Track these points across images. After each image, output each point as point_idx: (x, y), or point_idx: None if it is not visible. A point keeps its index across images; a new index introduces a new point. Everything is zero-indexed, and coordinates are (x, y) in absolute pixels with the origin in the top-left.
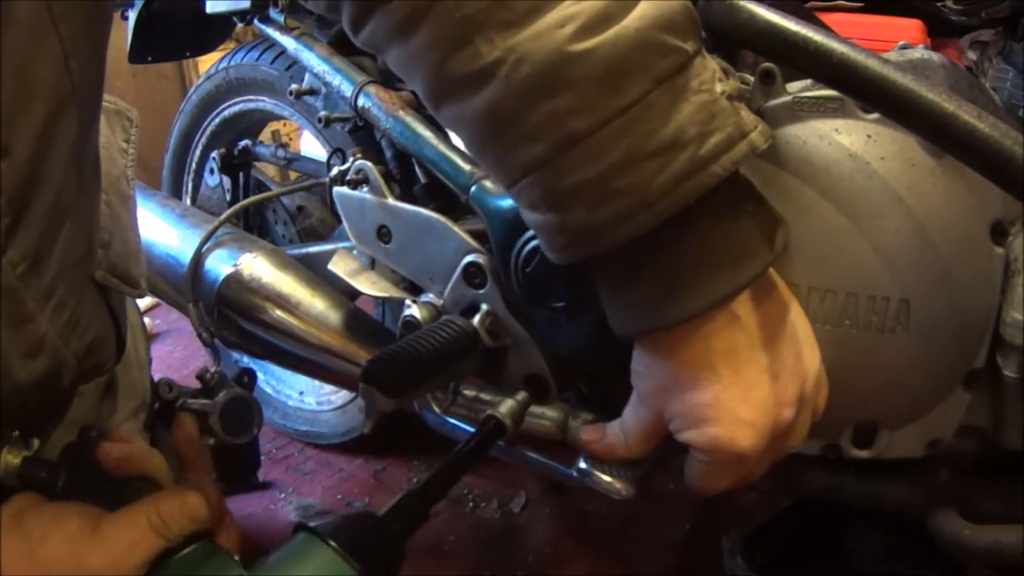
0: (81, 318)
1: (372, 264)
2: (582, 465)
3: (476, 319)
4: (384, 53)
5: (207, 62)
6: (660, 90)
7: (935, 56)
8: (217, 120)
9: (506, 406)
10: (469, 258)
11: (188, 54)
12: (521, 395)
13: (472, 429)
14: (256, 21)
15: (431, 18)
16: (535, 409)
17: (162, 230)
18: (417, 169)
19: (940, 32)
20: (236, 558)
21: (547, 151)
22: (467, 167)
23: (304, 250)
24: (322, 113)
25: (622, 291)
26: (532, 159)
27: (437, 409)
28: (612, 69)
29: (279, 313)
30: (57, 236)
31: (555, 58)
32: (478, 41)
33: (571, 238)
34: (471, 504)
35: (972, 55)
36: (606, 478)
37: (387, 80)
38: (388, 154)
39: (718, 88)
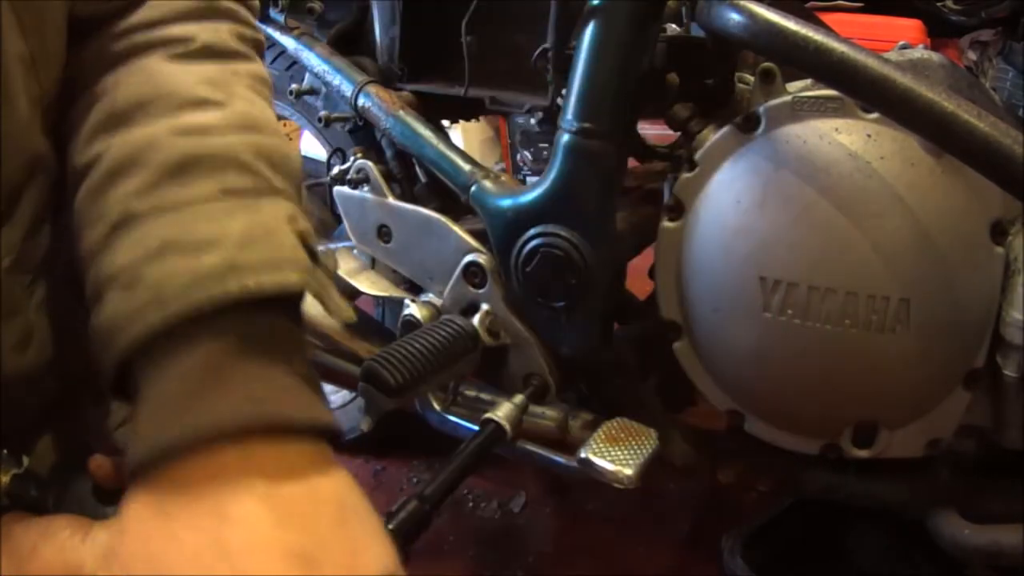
0: (68, 329)
1: (372, 264)
2: (583, 454)
3: (476, 319)
4: None
5: None
6: (220, 202)
7: (935, 56)
8: None
9: (504, 409)
10: (469, 258)
11: None
12: (519, 398)
13: (475, 427)
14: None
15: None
16: (535, 409)
17: None
18: (417, 169)
19: (940, 32)
20: None
21: (105, 231)
22: (467, 167)
23: None
24: (322, 113)
25: (137, 411)
26: (94, 242)
27: (439, 408)
28: (187, 165)
29: None
30: (38, 236)
31: (144, 144)
32: (103, 133)
33: (99, 339)
34: (471, 504)
35: (972, 55)
36: (609, 466)
37: (387, 80)
38: (388, 154)
39: (289, 229)
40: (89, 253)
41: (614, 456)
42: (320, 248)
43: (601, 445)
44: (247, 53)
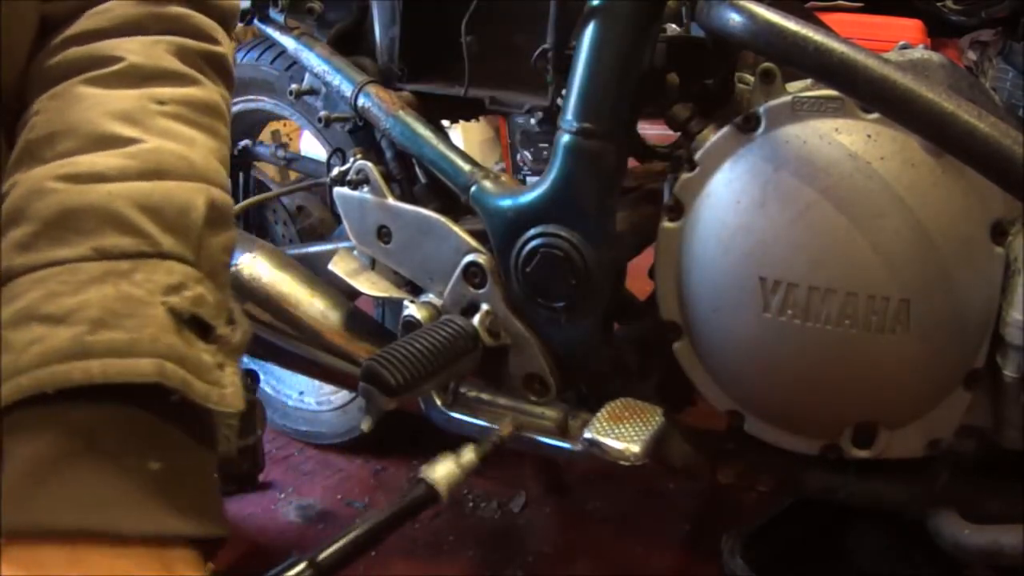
0: None
1: (372, 264)
2: (587, 435)
3: (476, 319)
4: None
5: None
6: (97, 264)
7: (935, 56)
8: None
9: (443, 470)
10: (469, 258)
11: None
12: (467, 457)
13: (480, 423)
14: (256, 21)
15: None
16: (535, 409)
17: None
18: (417, 169)
19: (940, 32)
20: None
21: None
22: (467, 167)
23: (304, 250)
24: (322, 113)
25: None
26: None
27: (443, 407)
28: (65, 218)
29: (279, 313)
30: None
31: (34, 190)
32: (16, 169)
33: None
34: (471, 504)
35: (972, 55)
36: (615, 443)
37: (387, 80)
38: (388, 154)
39: (160, 297)
40: None
41: (619, 433)
42: (233, 312)
43: (605, 424)
44: (187, 74)
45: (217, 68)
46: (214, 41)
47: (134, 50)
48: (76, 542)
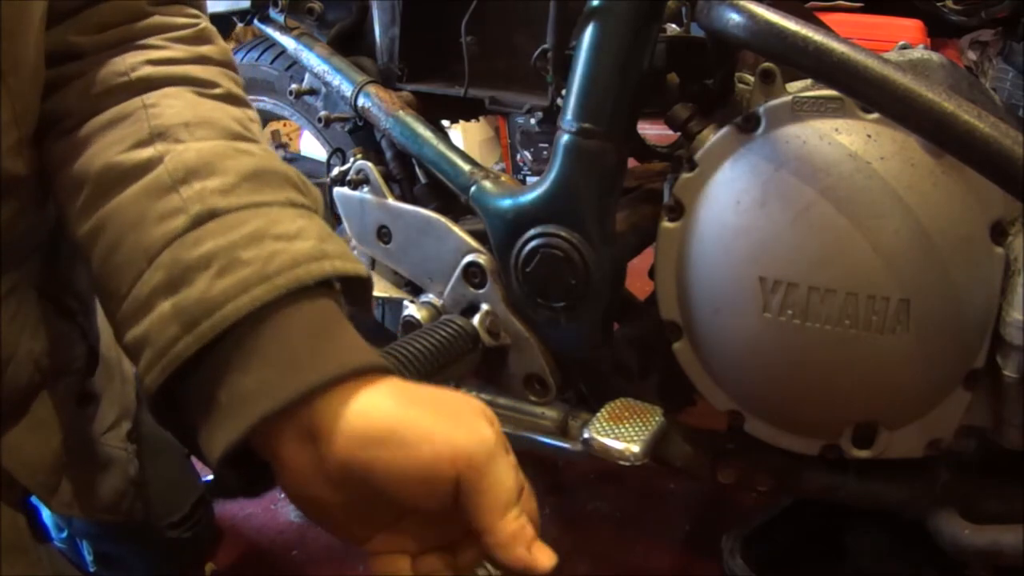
0: (27, 321)
1: (372, 264)
2: (587, 435)
3: (476, 319)
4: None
5: None
6: (291, 208)
7: (935, 56)
8: None
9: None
10: (469, 258)
11: None
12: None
13: None
14: (256, 21)
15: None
16: (535, 409)
17: None
18: (417, 169)
19: (940, 32)
20: None
21: (187, 222)
22: (467, 167)
23: None
24: (322, 113)
25: (230, 382)
26: (172, 230)
27: None
28: (258, 175)
29: None
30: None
31: (219, 150)
32: (152, 143)
33: (185, 323)
34: None
35: (972, 55)
36: (615, 444)
37: (387, 80)
38: (388, 154)
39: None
40: (162, 241)
41: (619, 433)
42: None
43: (605, 424)
44: (244, 97)
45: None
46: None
47: (222, 78)
48: (361, 376)
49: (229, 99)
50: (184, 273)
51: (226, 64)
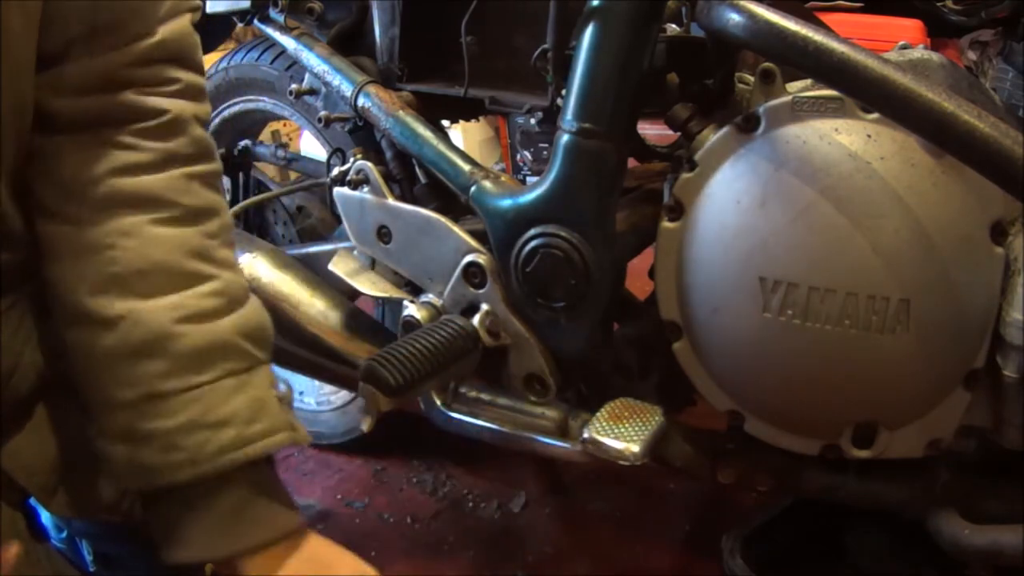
0: (30, 333)
1: (372, 264)
2: (587, 434)
3: (476, 319)
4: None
5: (206, 62)
6: (229, 379)
7: (935, 56)
8: (217, 120)
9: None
10: (469, 258)
11: None
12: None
13: (482, 424)
14: (256, 21)
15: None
16: (535, 409)
17: None
18: (417, 169)
19: (940, 32)
20: None
21: (136, 397)
22: (467, 167)
23: (304, 250)
24: (322, 113)
25: (179, 526)
26: (126, 400)
27: (443, 407)
28: (200, 353)
29: (279, 313)
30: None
31: (160, 333)
32: (113, 293)
33: (137, 476)
34: (471, 504)
35: (972, 55)
36: (615, 443)
37: (387, 80)
38: (388, 154)
39: (271, 392)
40: (116, 405)
41: (619, 433)
42: (280, 389)
43: (605, 424)
44: (215, 204)
45: (219, 183)
46: (213, 158)
47: (181, 190)
48: (283, 541)
49: (186, 219)
50: (136, 436)
51: (194, 158)
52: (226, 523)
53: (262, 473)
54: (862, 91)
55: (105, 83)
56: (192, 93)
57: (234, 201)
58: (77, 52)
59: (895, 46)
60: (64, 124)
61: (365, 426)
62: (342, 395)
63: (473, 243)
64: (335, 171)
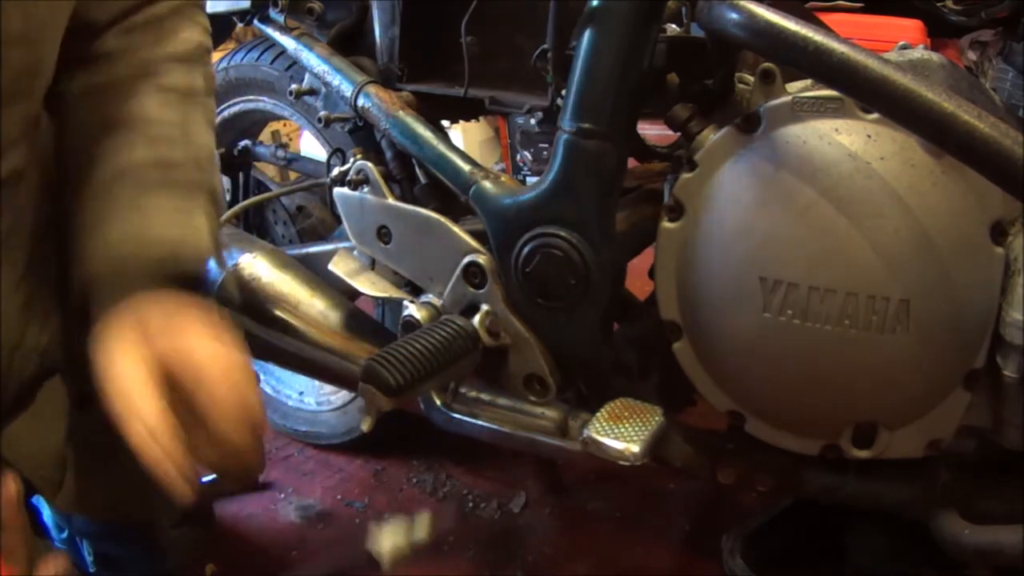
0: (37, 313)
1: (372, 264)
2: (586, 434)
3: (476, 319)
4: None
5: None
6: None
7: (935, 56)
8: (217, 120)
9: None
10: (469, 258)
11: None
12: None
13: (481, 424)
14: (256, 21)
15: None
16: (535, 409)
17: None
18: (417, 170)
19: (940, 32)
20: None
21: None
22: (467, 167)
23: (304, 250)
24: (322, 113)
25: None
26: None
27: (443, 407)
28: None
29: (279, 313)
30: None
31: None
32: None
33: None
34: (471, 504)
35: (972, 55)
36: (615, 443)
37: (387, 80)
38: (388, 154)
39: None
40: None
41: (619, 433)
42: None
43: (605, 424)
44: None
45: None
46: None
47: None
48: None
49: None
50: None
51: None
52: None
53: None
54: (862, 91)
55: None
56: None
57: (234, 201)
58: None
59: (895, 46)
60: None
61: (365, 426)
62: (342, 395)
63: (473, 243)
64: (335, 171)
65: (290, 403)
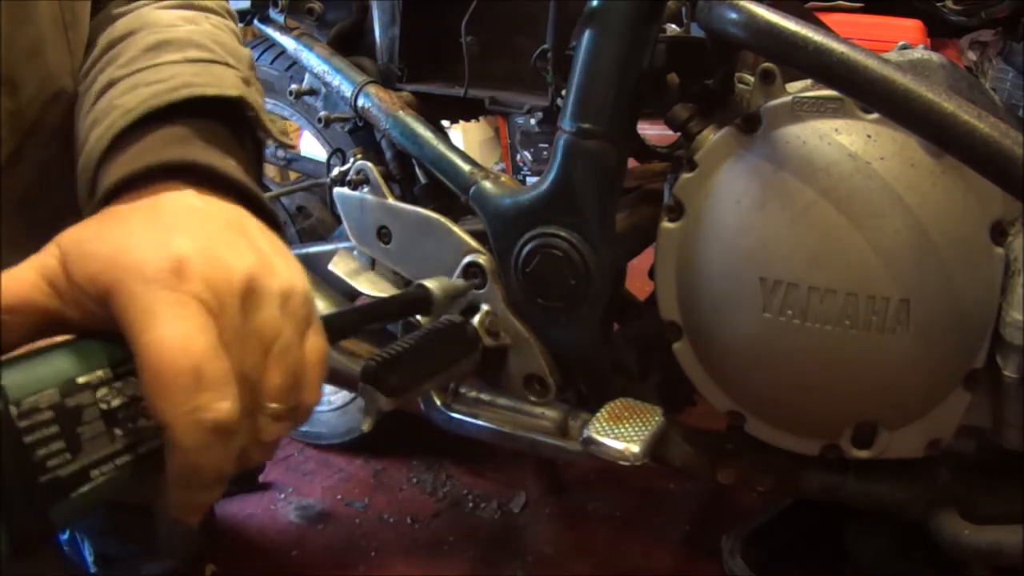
0: None
1: (372, 264)
2: (586, 434)
3: (476, 319)
4: None
5: None
6: (187, 65)
7: (935, 56)
8: None
9: (439, 283)
10: (469, 258)
11: None
12: (460, 282)
13: (481, 424)
14: (256, 21)
15: None
16: (535, 409)
17: None
18: (417, 170)
19: (940, 32)
20: None
21: (92, 100)
22: (467, 167)
23: (304, 250)
24: (322, 113)
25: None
26: (83, 112)
27: (443, 407)
28: (160, 44)
29: None
30: (46, 189)
31: (128, 42)
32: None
33: (86, 164)
34: (471, 504)
35: (972, 55)
36: (615, 444)
37: (387, 80)
38: (388, 154)
39: (235, 78)
40: (79, 124)
41: (619, 433)
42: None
43: (605, 424)
44: (220, 12)
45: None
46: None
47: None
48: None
49: (182, 5)
50: (85, 137)
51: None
52: (145, 150)
53: (212, 129)
54: (862, 91)
55: None
56: None
57: None
58: None
59: (895, 46)
60: None
61: (365, 426)
62: (342, 395)
63: (473, 243)
64: (335, 171)
65: None
